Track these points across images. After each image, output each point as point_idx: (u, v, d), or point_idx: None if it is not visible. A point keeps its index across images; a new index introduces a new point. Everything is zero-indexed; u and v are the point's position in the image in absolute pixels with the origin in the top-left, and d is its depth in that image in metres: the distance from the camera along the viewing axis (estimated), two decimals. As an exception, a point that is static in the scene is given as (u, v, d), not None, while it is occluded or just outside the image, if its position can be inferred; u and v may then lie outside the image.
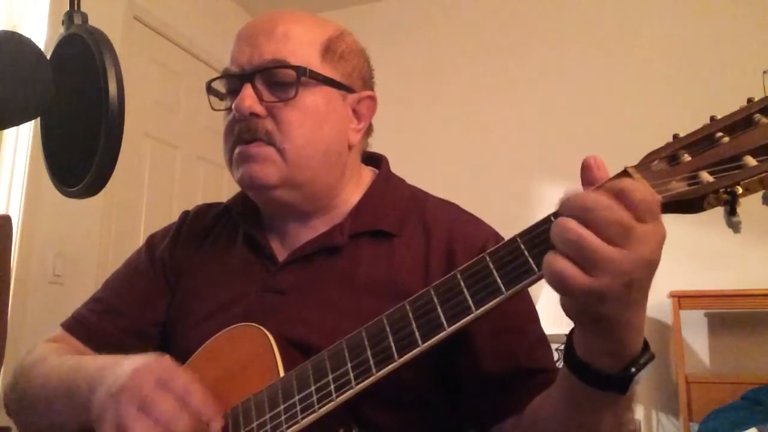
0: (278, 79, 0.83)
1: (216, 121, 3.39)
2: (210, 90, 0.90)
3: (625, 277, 0.49)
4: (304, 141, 0.83)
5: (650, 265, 0.50)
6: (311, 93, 0.84)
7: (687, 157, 0.54)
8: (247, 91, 0.82)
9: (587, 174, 0.55)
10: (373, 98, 0.92)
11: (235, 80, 0.85)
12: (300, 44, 0.85)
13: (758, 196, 0.53)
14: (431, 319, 0.60)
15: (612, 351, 0.55)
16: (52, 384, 0.79)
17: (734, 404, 2.44)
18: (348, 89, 0.88)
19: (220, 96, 0.90)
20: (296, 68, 0.82)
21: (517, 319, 0.80)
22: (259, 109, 0.82)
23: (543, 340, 0.82)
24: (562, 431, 0.66)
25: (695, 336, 2.91)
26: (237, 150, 0.84)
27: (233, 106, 0.83)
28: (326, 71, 0.85)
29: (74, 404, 0.73)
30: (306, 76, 0.83)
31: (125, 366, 0.68)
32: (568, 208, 0.51)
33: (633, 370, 0.55)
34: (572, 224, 0.50)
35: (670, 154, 0.55)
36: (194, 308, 0.91)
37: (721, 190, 0.52)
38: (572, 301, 0.52)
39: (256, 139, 0.83)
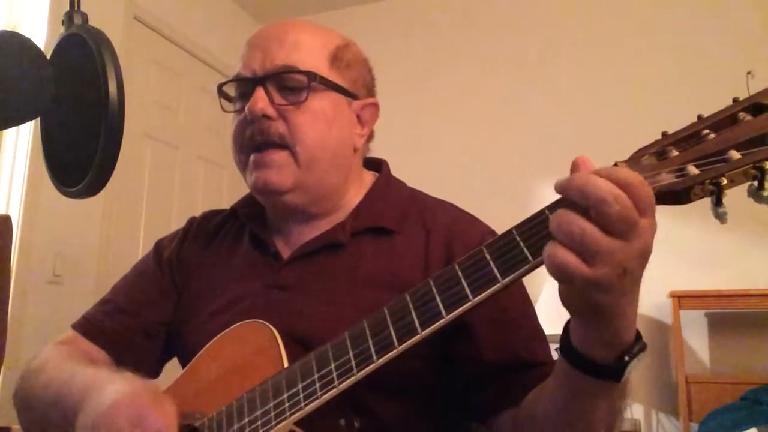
0: (289, 84, 0.86)
1: (216, 121, 3.37)
2: (221, 93, 0.93)
3: (621, 267, 0.51)
4: (315, 143, 0.86)
5: (645, 256, 0.52)
6: (320, 98, 0.87)
7: (675, 152, 0.56)
8: (259, 93, 0.85)
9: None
10: (376, 105, 0.95)
11: (246, 84, 0.88)
12: (310, 52, 0.88)
13: (746, 192, 0.54)
14: (430, 308, 0.62)
15: (606, 340, 0.57)
16: (48, 397, 0.80)
17: (734, 404, 2.44)
18: (353, 96, 0.92)
19: (230, 99, 0.93)
20: (307, 73, 0.86)
21: (515, 314, 0.82)
22: (270, 111, 0.85)
23: (540, 334, 0.84)
24: (557, 419, 0.67)
25: (695, 336, 2.91)
26: (252, 158, 0.87)
27: (246, 108, 0.86)
28: (334, 78, 0.89)
29: (65, 423, 0.73)
30: (316, 81, 0.86)
31: (105, 395, 0.68)
32: (581, 195, 0.50)
33: (626, 358, 0.57)
34: (574, 217, 0.51)
35: (658, 150, 0.57)
36: (201, 307, 0.93)
37: (707, 182, 0.53)
38: (570, 289, 0.53)
39: (268, 141, 0.85)
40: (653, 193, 0.52)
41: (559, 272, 0.51)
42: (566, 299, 0.55)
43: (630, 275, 0.52)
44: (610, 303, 0.53)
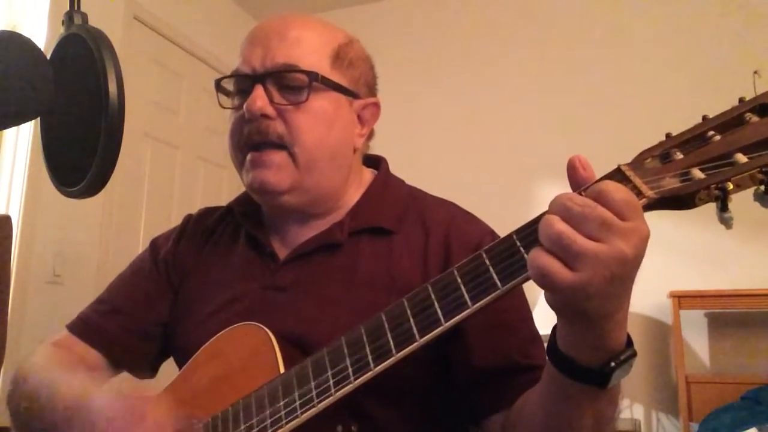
0: (289, 83, 0.84)
1: (216, 121, 3.36)
2: (219, 88, 0.91)
3: (606, 271, 0.49)
4: (314, 144, 0.84)
5: (632, 261, 0.50)
6: (321, 98, 0.85)
7: (679, 155, 0.55)
8: (259, 92, 0.83)
9: (573, 174, 0.56)
10: (377, 105, 0.94)
11: (245, 80, 0.86)
12: (311, 50, 0.86)
13: (752, 196, 0.53)
14: (429, 314, 0.61)
15: (593, 344, 0.55)
16: (34, 409, 0.79)
17: (734, 404, 2.44)
18: (354, 95, 0.90)
19: (228, 94, 0.91)
20: (308, 73, 0.84)
21: (510, 316, 0.81)
22: (269, 110, 0.83)
23: (536, 337, 0.83)
24: (543, 423, 0.66)
25: (695, 336, 2.91)
26: (249, 157, 0.85)
27: (244, 106, 0.84)
28: (335, 77, 0.87)
29: None
30: (318, 81, 0.84)
31: (93, 413, 0.68)
32: (552, 207, 0.52)
33: (612, 364, 0.55)
34: (554, 220, 0.51)
35: (662, 152, 0.56)
36: (197, 307, 0.92)
37: (713, 186, 0.52)
38: (556, 295, 0.52)
39: (267, 141, 0.84)
40: (637, 200, 0.51)
41: (540, 277, 0.51)
42: (551, 303, 0.54)
43: (619, 280, 0.50)
44: (596, 308, 0.52)
